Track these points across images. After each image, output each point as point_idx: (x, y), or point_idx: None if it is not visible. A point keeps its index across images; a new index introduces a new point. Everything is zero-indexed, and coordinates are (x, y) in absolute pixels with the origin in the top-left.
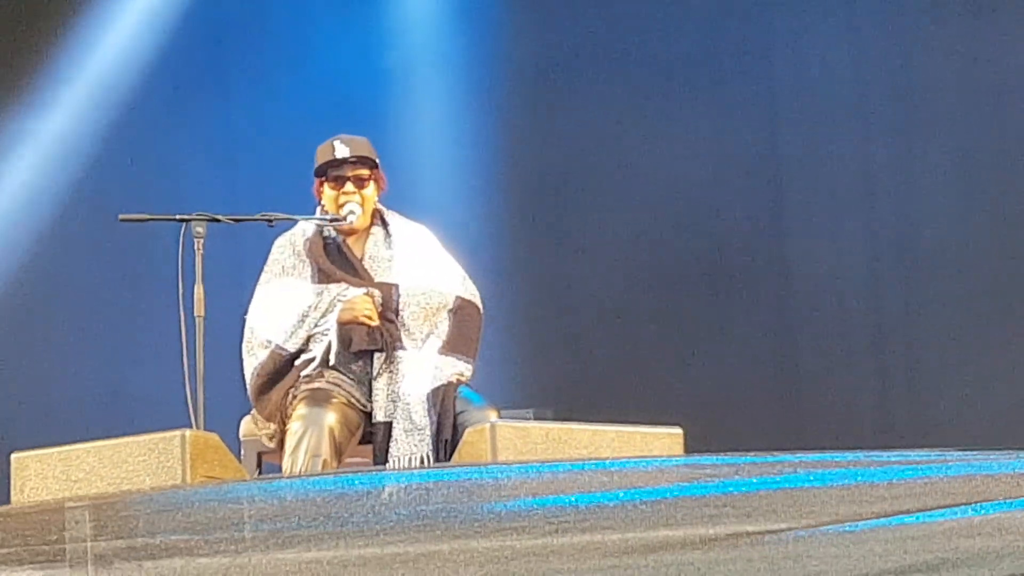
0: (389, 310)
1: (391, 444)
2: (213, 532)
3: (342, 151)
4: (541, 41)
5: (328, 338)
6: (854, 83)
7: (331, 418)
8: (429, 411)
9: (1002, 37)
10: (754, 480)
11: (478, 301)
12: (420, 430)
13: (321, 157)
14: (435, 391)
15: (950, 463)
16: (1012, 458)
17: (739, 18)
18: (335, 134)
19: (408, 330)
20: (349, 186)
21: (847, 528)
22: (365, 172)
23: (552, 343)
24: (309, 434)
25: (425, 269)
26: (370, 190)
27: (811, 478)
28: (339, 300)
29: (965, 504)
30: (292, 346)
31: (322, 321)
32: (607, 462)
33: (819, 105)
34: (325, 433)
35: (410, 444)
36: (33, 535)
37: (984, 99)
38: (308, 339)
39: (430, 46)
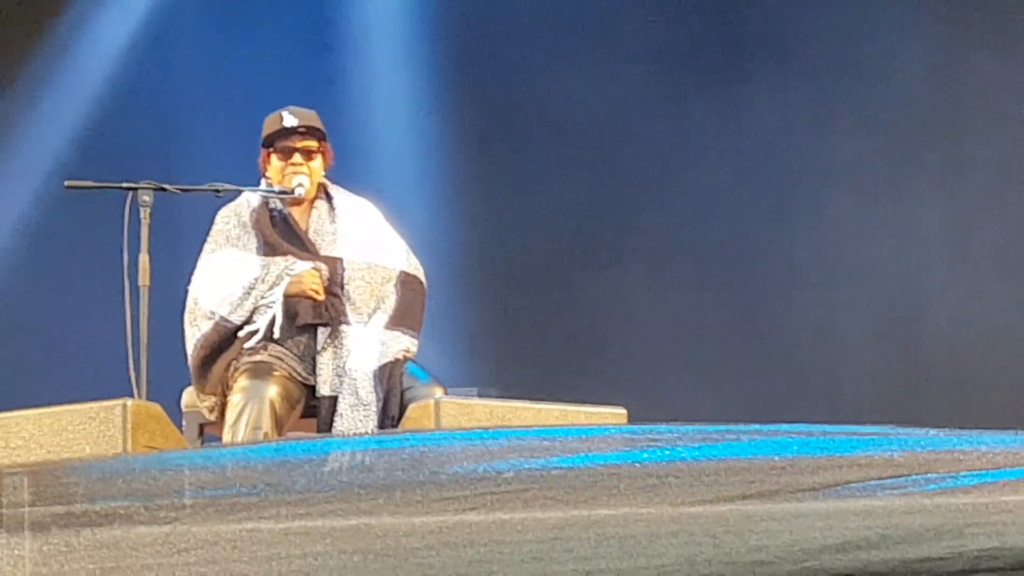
0: (334, 284)
1: (336, 419)
2: (153, 500)
3: (291, 121)
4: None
5: (273, 311)
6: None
7: (272, 391)
8: (376, 387)
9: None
10: (697, 448)
11: (422, 276)
12: (366, 406)
13: (269, 127)
14: (382, 367)
15: (893, 437)
16: (953, 435)
17: None
18: (283, 105)
19: (353, 304)
20: (297, 157)
21: (788, 501)
22: (313, 144)
23: (497, 322)
24: (250, 407)
25: (370, 243)
26: (317, 162)
27: (753, 448)
28: (287, 273)
29: (906, 478)
30: (237, 318)
31: (268, 294)
32: (550, 429)
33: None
34: (266, 406)
35: (355, 419)
36: None
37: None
38: (253, 311)
39: (381, 18)
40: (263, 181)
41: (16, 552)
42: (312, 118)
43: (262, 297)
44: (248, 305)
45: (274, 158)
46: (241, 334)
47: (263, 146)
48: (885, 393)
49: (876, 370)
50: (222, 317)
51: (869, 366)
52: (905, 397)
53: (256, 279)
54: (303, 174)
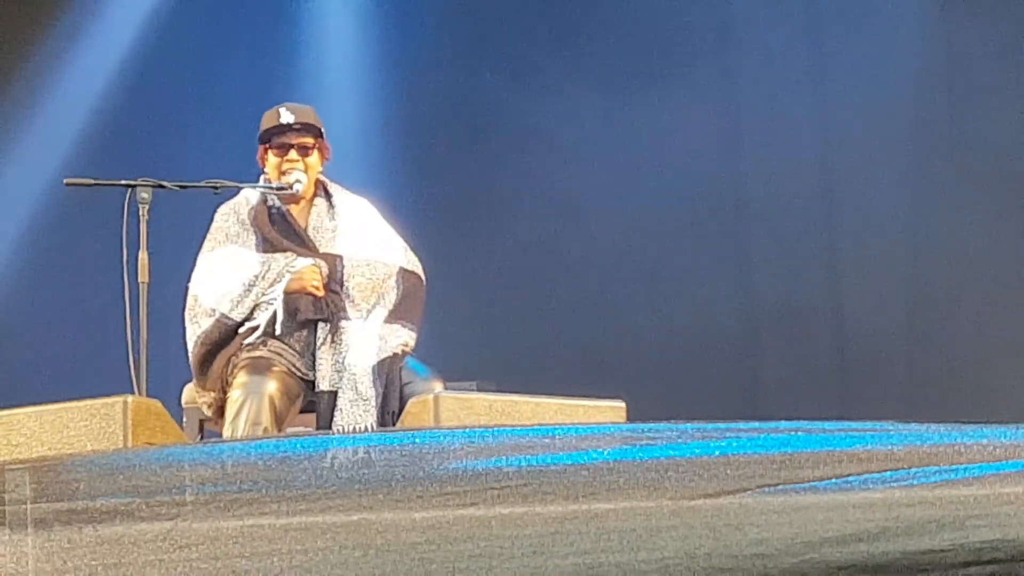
0: (334, 281)
1: (336, 414)
2: (153, 496)
3: (287, 117)
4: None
5: (273, 307)
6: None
7: (271, 387)
8: (375, 382)
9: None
10: (696, 445)
11: (421, 272)
12: (366, 400)
13: (266, 123)
14: (381, 362)
15: (892, 432)
16: (953, 430)
17: None
18: (281, 102)
19: (353, 301)
20: (293, 153)
21: (789, 494)
22: (309, 140)
23: (496, 316)
24: (249, 402)
25: (369, 240)
26: (314, 158)
27: (753, 444)
28: (287, 270)
29: (906, 471)
30: (238, 315)
31: (269, 290)
32: (550, 427)
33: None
34: (265, 401)
35: (355, 414)
36: None
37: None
38: (253, 308)
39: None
40: (262, 178)
41: (20, 549)
42: (308, 114)
43: (263, 294)
44: (249, 302)
45: (271, 154)
46: (242, 330)
47: (260, 142)
48: (893, 385)
49: (884, 361)
50: (223, 314)
51: (879, 358)
52: (913, 391)
53: (256, 276)
54: (299, 170)
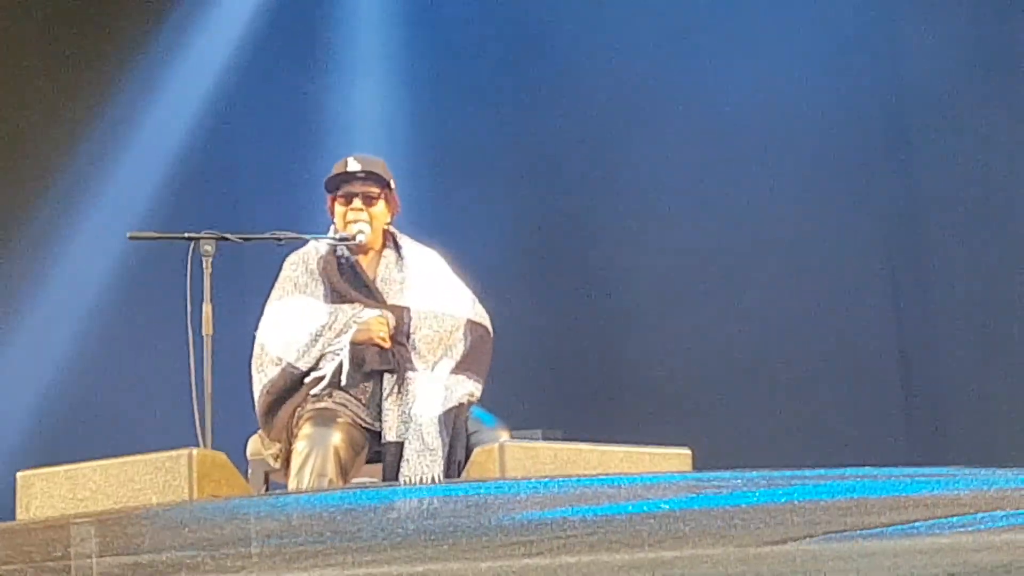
0: (401, 333)
1: (402, 464)
2: (219, 549)
3: (353, 166)
4: None
5: (340, 357)
6: None
7: (337, 438)
8: (441, 432)
9: None
10: (762, 492)
11: (488, 324)
12: (432, 451)
13: (333, 172)
14: (447, 412)
15: (958, 477)
16: (1020, 474)
17: None
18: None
19: (419, 353)
20: (357, 202)
21: (855, 540)
22: (375, 190)
23: (562, 364)
24: (315, 454)
25: (436, 293)
26: (379, 208)
27: (819, 491)
28: (354, 321)
29: (973, 516)
30: (304, 364)
31: (336, 341)
32: (615, 477)
33: None
34: (331, 453)
35: (422, 465)
36: (38, 552)
37: None
38: (320, 358)
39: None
40: (331, 228)
41: None
42: (375, 164)
43: (329, 344)
44: (315, 352)
45: (336, 204)
46: (308, 380)
47: (326, 190)
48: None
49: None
50: (289, 363)
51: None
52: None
53: (324, 326)
54: (363, 220)
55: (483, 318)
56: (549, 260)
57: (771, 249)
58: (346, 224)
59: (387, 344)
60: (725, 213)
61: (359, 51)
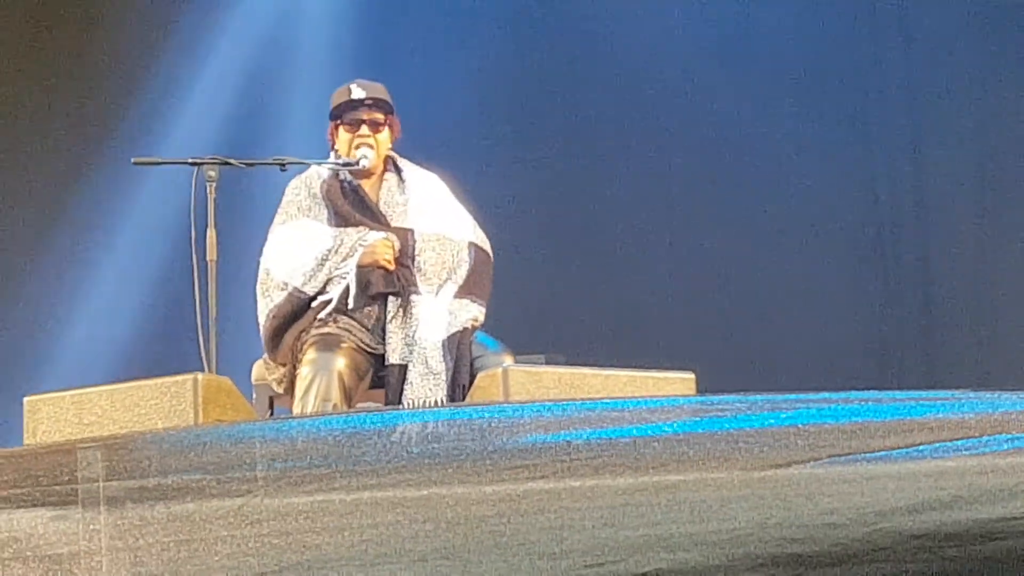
0: (405, 255)
1: (406, 387)
2: (224, 472)
3: (358, 93)
4: None
5: (346, 281)
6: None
7: (340, 363)
8: (445, 356)
9: None
10: (766, 416)
11: (488, 248)
12: (436, 375)
13: (337, 99)
14: (451, 337)
15: (962, 401)
16: None
17: None
18: (350, 79)
19: (424, 275)
20: (364, 129)
21: (859, 464)
22: (380, 116)
23: (565, 289)
24: (319, 379)
25: (439, 216)
26: (384, 134)
27: (823, 414)
28: (360, 244)
29: (978, 439)
30: (311, 289)
31: (342, 265)
32: (618, 401)
33: None
34: (335, 378)
35: (425, 388)
36: (45, 476)
37: None
38: (326, 282)
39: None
40: (332, 154)
41: (92, 527)
42: (379, 91)
43: (336, 268)
44: (322, 276)
45: (341, 130)
46: (315, 304)
47: (331, 118)
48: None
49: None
50: (295, 288)
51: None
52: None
53: (329, 250)
54: (369, 146)
55: (484, 241)
56: (553, 184)
57: (773, 169)
58: (352, 150)
59: (392, 266)
60: (727, 137)
61: None
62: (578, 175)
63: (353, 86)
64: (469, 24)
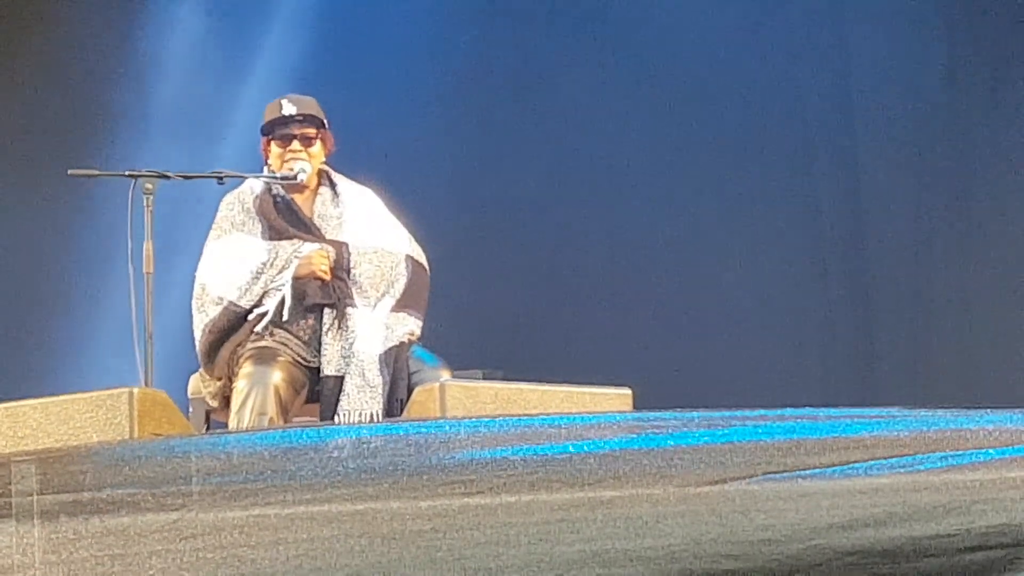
0: (340, 268)
1: (342, 398)
2: (160, 487)
3: (289, 109)
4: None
5: (282, 292)
6: None
7: (277, 376)
8: (382, 370)
9: None
10: (702, 433)
11: (425, 262)
12: (373, 388)
13: (268, 115)
14: (388, 351)
15: (897, 418)
16: (958, 415)
17: None
18: (283, 94)
19: (361, 289)
20: (296, 144)
21: (795, 481)
22: (312, 131)
23: (503, 304)
24: (255, 392)
25: (374, 229)
26: (316, 148)
27: (758, 431)
28: (295, 256)
29: (912, 457)
30: (246, 303)
31: (278, 277)
32: (555, 417)
33: None
34: (271, 391)
35: (362, 400)
36: None
37: None
38: (262, 296)
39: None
40: (265, 168)
41: (26, 540)
42: (311, 105)
43: (272, 281)
44: (257, 289)
45: (274, 145)
46: (251, 317)
47: (262, 133)
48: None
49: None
50: (231, 302)
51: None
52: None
53: (264, 263)
54: (302, 159)
55: (420, 255)
56: (487, 196)
57: (713, 183)
58: (283, 164)
59: (328, 277)
60: (668, 155)
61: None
62: (517, 190)
63: (284, 101)
64: (407, 33)
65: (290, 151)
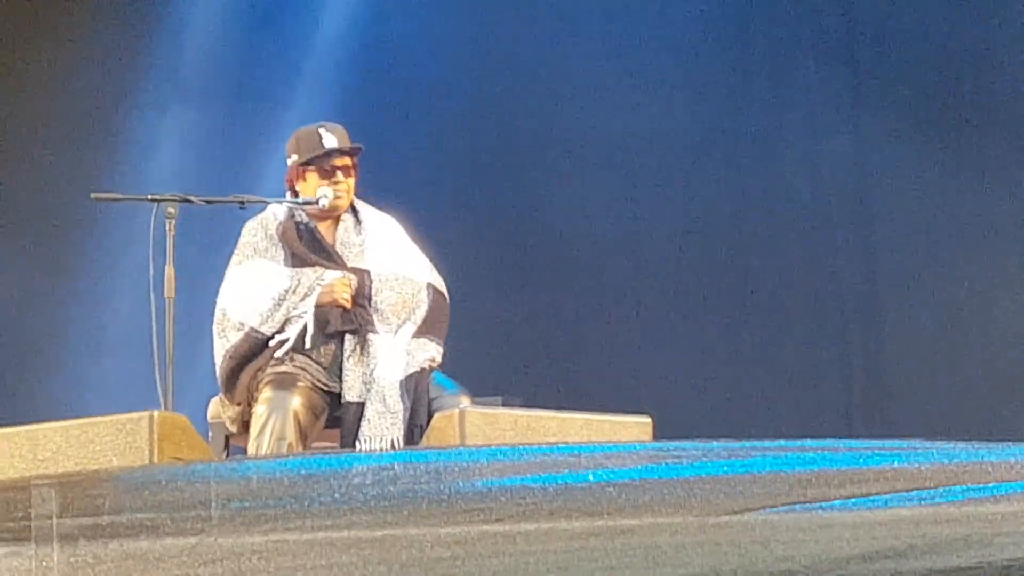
0: (361, 296)
1: (363, 423)
2: (179, 511)
3: (330, 140)
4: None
5: (303, 320)
6: None
7: (296, 402)
8: (403, 396)
9: None
10: (722, 463)
11: (445, 290)
12: (393, 414)
13: (307, 144)
14: (408, 377)
15: (918, 451)
16: (980, 448)
17: None
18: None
19: (383, 316)
20: (339, 175)
21: (815, 512)
22: (350, 161)
23: (523, 332)
24: (275, 417)
25: (396, 257)
26: (353, 179)
27: (779, 462)
28: (317, 284)
29: (933, 490)
30: (268, 329)
31: (300, 304)
32: (575, 446)
33: None
34: (290, 417)
35: (382, 426)
36: None
37: None
38: (284, 323)
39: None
40: (287, 194)
41: (45, 564)
42: (346, 136)
43: (294, 308)
44: (279, 316)
45: (313, 175)
46: (272, 343)
47: (300, 164)
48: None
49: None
50: (252, 328)
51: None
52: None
53: (287, 290)
54: (343, 191)
55: (441, 284)
56: (508, 226)
57: (735, 213)
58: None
59: (349, 305)
60: (687, 187)
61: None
62: (538, 219)
63: (323, 131)
64: (429, 66)
65: (334, 183)
